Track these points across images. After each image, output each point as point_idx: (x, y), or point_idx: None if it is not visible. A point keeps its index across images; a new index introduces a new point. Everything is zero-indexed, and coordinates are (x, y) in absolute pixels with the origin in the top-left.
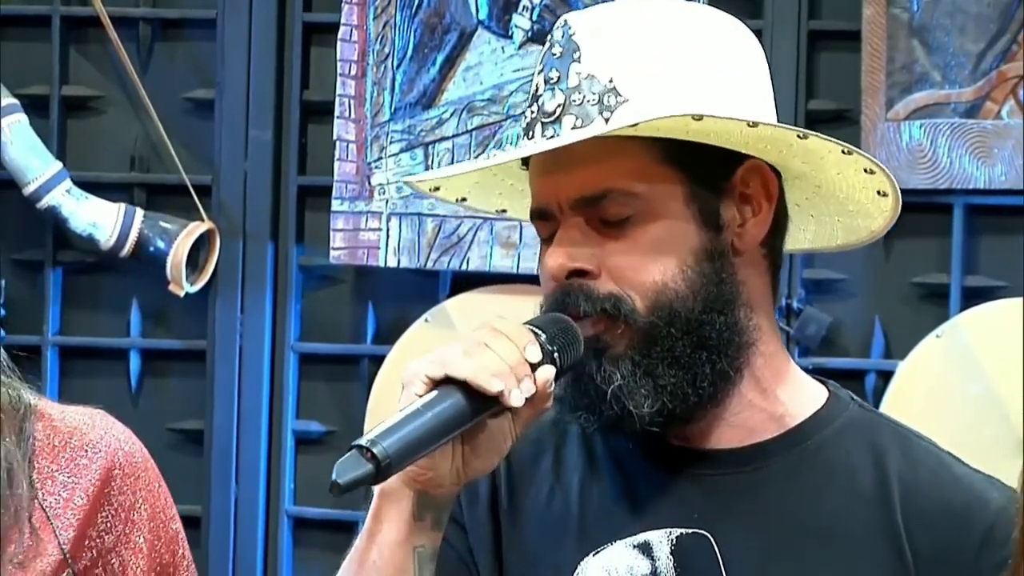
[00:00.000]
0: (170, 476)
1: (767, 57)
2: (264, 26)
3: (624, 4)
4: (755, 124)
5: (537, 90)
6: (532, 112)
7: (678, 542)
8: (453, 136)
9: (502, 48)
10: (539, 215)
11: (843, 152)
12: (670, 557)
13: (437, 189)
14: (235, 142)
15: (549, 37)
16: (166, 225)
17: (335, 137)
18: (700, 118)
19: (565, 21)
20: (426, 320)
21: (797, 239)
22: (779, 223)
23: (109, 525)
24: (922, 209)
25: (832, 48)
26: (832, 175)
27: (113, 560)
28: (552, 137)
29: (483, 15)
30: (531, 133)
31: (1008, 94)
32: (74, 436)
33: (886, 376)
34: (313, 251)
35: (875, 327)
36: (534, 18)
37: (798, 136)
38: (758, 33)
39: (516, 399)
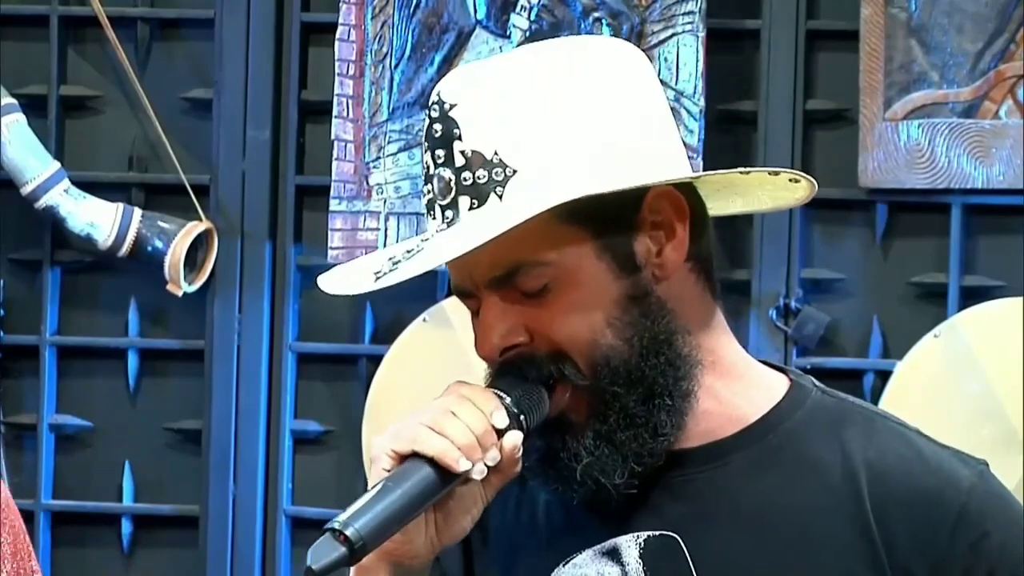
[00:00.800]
0: (168, 476)
1: (765, 57)
2: (262, 26)
3: (495, 63)
4: (650, 188)
5: (428, 170)
6: (428, 191)
7: (646, 545)
8: None
9: (500, 48)
10: (460, 294)
11: (740, 173)
12: (639, 560)
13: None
14: (233, 142)
15: (427, 112)
16: (164, 225)
17: (333, 137)
18: (606, 194)
19: (439, 95)
20: (424, 319)
21: (726, 208)
22: (699, 231)
23: None
24: (920, 209)
25: (830, 48)
26: (744, 185)
27: None
28: (452, 221)
29: (481, 15)
30: (433, 214)
31: (1006, 94)
32: None
33: (884, 376)
34: (311, 251)
35: (873, 327)
36: (532, 18)
37: (694, 180)
38: (756, 33)
39: (480, 473)
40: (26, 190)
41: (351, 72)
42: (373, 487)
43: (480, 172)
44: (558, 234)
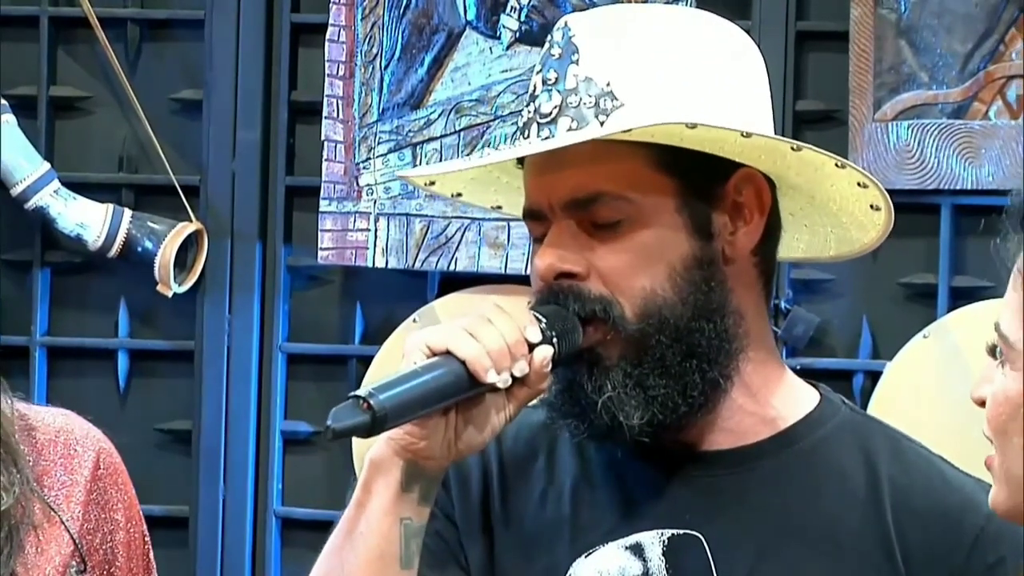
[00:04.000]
0: (158, 476)
1: None
2: (252, 27)
3: (625, 8)
4: (749, 135)
5: (535, 90)
6: (528, 112)
7: (670, 543)
8: (441, 136)
9: (490, 49)
10: (531, 215)
11: (836, 165)
12: (662, 558)
13: (432, 183)
14: (223, 142)
15: (549, 38)
16: (154, 225)
17: (323, 138)
18: (694, 126)
19: (565, 23)
20: (414, 320)
21: (791, 247)
22: (771, 232)
23: (96, 524)
24: (910, 209)
25: (820, 49)
26: (826, 187)
27: (98, 558)
28: (548, 138)
29: (471, 16)
30: (527, 133)
31: (996, 94)
32: (60, 434)
33: (874, 376)
34: (301, 251)
35: (863, 327)
36: (522, 19)
37: (792, 148)
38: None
39: (505, 383)
40: (16, 191)
41: (341, 73)
42: (401, 371)
43: (588, 98)
44: (646, 177)
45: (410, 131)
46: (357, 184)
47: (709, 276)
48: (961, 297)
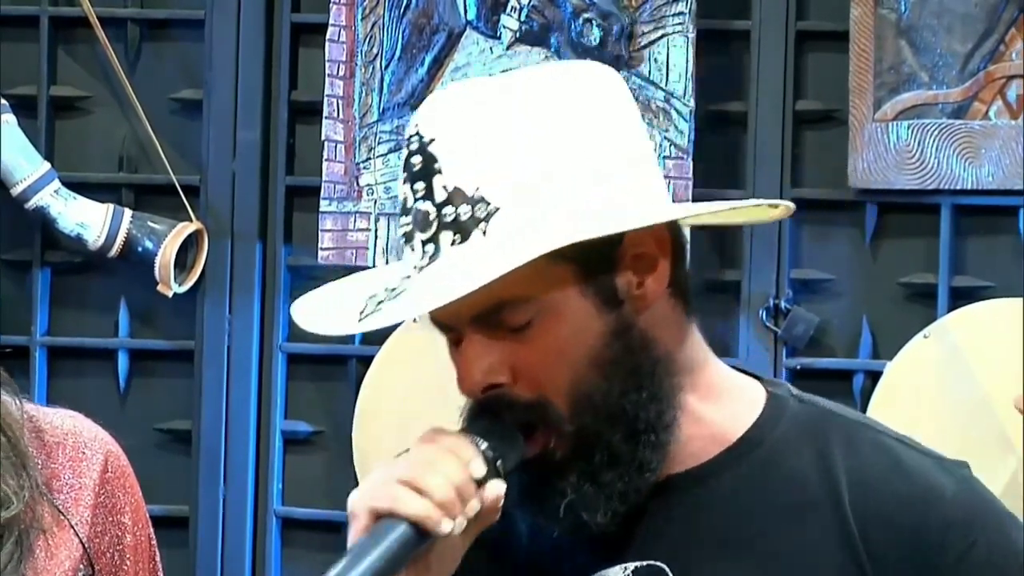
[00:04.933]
0: (158, 476)
1: (755, 58)
2: (252, 26)
3: (474, 92)
4: (650, 227)
5: (406, 202)
6: (406, 224)
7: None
8: None
9: (490, 48)
10: (438, 326)
11: (731, 208)
12: None
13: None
14: (223, 142)
15: (406, 143)
16: (154, 225)
17: (323, 138)
18: (608, 236)
19: (417, 128)
20: (415, 320)
21: (699, 220)
22: (677, 254)
23: (104, 527)
24: (910, 210)
25: (820, 49)
26: (728, 212)
27: (106, 561)
28: (433, 256)
29: (471, 15)
30: (412, 245)
31: (996, 94)
32: (69, 436)
33: (874, 376)
34: (301, 251)
35: (863, 327)
36: (522, 19)
37: (683, 220)
38: (746, 34)
39: (460, 528)
40: (16, 191)
41: (341, 73)
42: (351, 548)
43: (463, 208)
44: (543, 271)
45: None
46: (357, 184)
47: (629, 342)
48: (961, 297)
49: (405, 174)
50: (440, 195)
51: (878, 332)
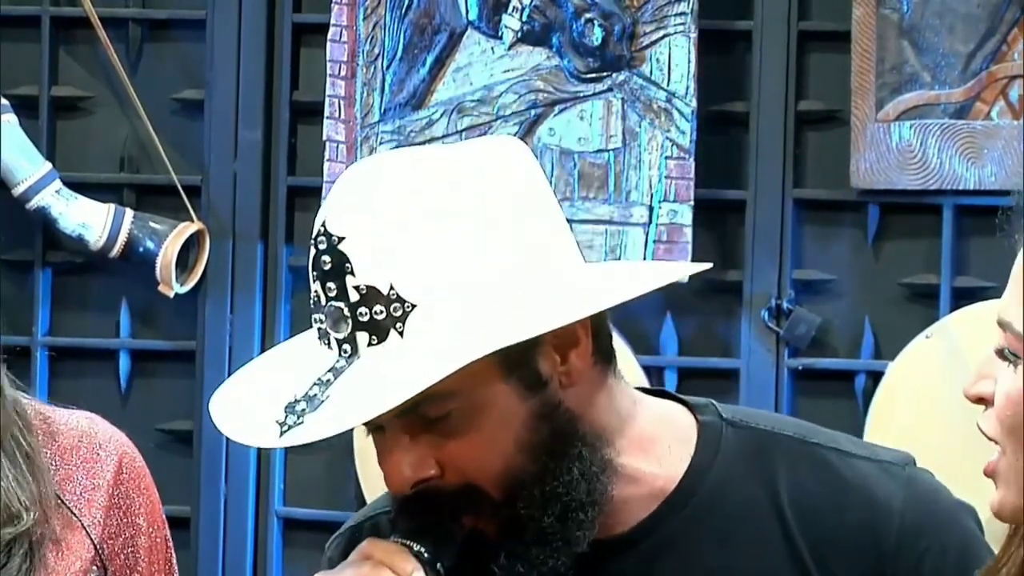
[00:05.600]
0: (159, 476)
1: (757, 58)
2: (253, 27)
3: (382, 185)
4: (570, 321)
5: (319, 300)
6: (320, 321)
7: None
8: (443, 137)
9: (492, 49)
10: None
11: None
12: None
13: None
14: (224, 143)
15: (313, 241)
16: (155, 226)
17: (325, 138)
18: (534, 339)
19: (324, 227)
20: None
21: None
22: (598, 325)
23: (118, 528)
24: (911, 210)
25: (822, 49)
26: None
27: (119, 563)
28: (351, 356)
29: (473, 16)
30: (328, 343)
31: (998, 95)
32: (84, 438)
33: (876, 377)
34: (303, 252)
35: (865, 327)
36: (524, 19)
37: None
38: (748, 34)
39: None
40: (17, 191)
41: (343, 73)
42: None
43: (377, 308)
44: (464, 366)
45: (412, 131)
46: None
47: (555, 423)
48: (963, 297)
49: (315, 272)
50: (354, 295)
51: (880, 332)
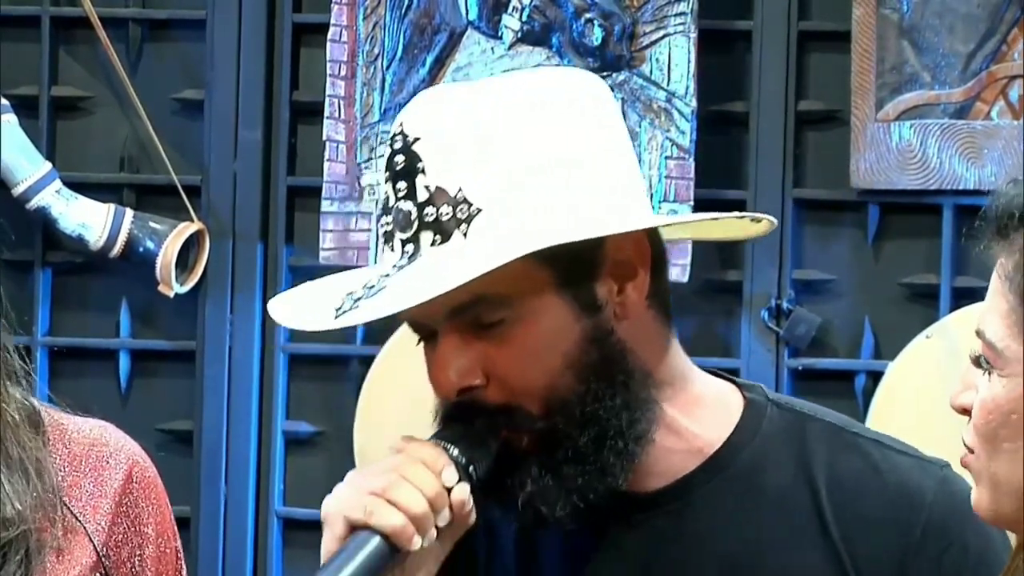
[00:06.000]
0: (159, 476)
1: (757, 58)
2: (253, 27)
3: (461, 94)
4: (631, 235)
5: (388, 201)
6: (387, 223)
7: None
8: None
9: (492, 49)
10: (412, 324)
11: (712, 219)
12: None
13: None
14: (224, 142)
15: (389, 142)
16: (155, 225)
17: (325, 138)
18: (585, 240)
19: (402, 128)
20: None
21: (674, 233)
22: (658, 270)
23: (124, 537)
24: (911, 210)
25: (822, 49)
26: (709, 225)
27: (125, 572)
28: (413, 256)
29: (473, 16)
30: (391, 245)
31: (998, 95)
32: (95, 446)
33: (876, 376)
34: (303, 251)
35: (865, 328)
36: (524, 19)
37: (670, 224)
38: (748, 34)
39: (431, 540)
40: (17, 191)
41: (343, 73)
42: (327, 562)
43: (444, 208)
44: (522, 272)
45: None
46: (359, 184)
47: (606, 349)
48: (963, 297)
49: (387, 173)
50: (422, 195)
51: (880, 332)
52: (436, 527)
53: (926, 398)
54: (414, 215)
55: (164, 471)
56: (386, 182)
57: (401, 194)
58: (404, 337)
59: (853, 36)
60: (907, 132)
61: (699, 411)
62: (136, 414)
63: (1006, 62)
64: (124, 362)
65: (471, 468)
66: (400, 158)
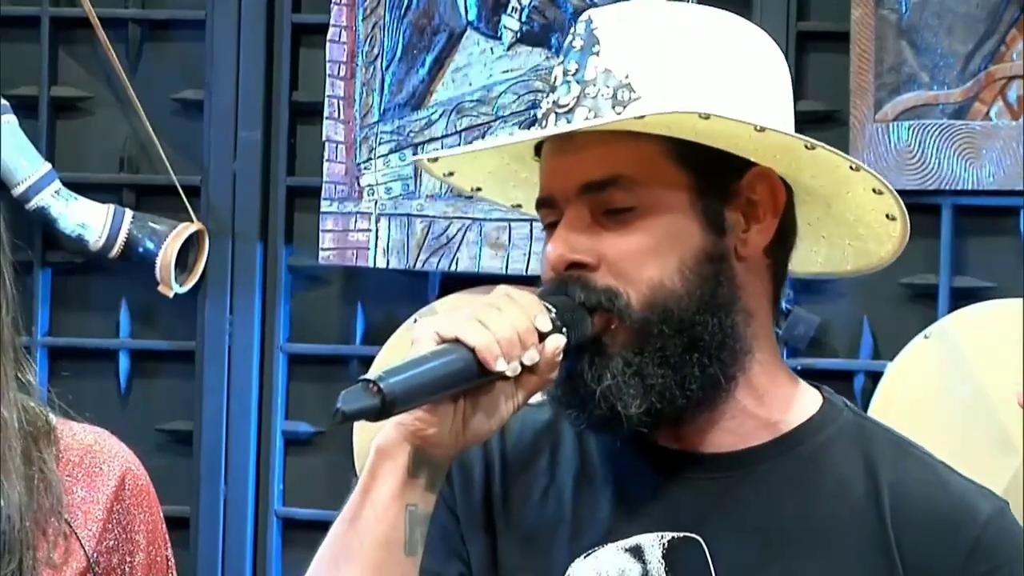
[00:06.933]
0: (159, 477)
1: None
2: (253, 27)
3: (651, 3)
4: (762, 129)
5: (555, 81)
6: (547, 103)
7: (669, 546)
8: (442, 137)
9: (491, 49)
10: (545, 202)
11: (851, 168)
12: (661, 561)
13: (451, 175)
14: (224, 143)
15: (572, 29)
16: (155, 226)
17: (324, 138)
18: (707, 117)
19: (589, 16)
20: (415, 321)
21: (809, 260)
22: (785, 235)
23: (115, 544)
24: (910, 210)
25: (820, 49)
26: (842, 193)
27: None
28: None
29: (472, 16)
30: (545, 123)
31: (997, 95)
32: (89, 453)
33: (875, 377)
34: (302, 252)
35: (864, 328)
36: (523, 19)
37: (806, 146)
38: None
39: (514, 372)
40: (17, 191)
41: (342, 73)
42: (411, 358)
43: (606, 89)
44: (661, 167)
45: (411, 131)
46: (358, 184)
47: (719, 271)
48: (962, 298)
49: (561, 56)
50: (591, 73)
51: (879, 333)
52: (522, 364)
53: (925, 398)
54: (577, 92)
55: (164, 471)
56: (558, 65)
57: (571, 72)
58: (404, 338)
59: (852, 36)
60: (906, 132)
61: (782, 391)
62: (136, 414)
63: (1005, 62)
64: (124, 362)
65: (564, 330)
66: (579, 41)
